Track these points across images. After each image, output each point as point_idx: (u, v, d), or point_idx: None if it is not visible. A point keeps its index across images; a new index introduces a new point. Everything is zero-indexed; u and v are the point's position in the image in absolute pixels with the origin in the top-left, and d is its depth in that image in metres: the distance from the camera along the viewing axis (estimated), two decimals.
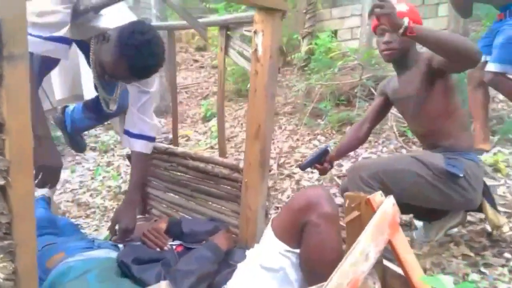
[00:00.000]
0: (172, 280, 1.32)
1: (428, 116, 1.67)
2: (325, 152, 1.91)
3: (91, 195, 3.12)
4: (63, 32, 1.41)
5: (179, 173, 2.03)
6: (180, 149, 2.02)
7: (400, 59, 1.69)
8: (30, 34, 1.37)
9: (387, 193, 1.49)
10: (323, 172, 1.93)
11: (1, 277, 0.89)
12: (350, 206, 1.24)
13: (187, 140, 4.34)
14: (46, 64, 1.70)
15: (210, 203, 1.92)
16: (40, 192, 2.34)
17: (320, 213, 1.15)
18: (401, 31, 1.39)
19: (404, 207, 1.59)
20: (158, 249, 1.58)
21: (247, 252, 1.36)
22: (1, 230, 0.88)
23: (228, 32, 1.93)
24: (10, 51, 0.78)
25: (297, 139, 3.38)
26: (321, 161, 1.90)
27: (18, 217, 0.88)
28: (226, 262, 1.49)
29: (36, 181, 1.43)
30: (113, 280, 1.31)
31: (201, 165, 1.88)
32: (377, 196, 1.17)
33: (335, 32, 5.79)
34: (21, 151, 0.85)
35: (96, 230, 2.56)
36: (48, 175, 1.43)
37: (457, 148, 1.65)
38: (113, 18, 1.48)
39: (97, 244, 1.55)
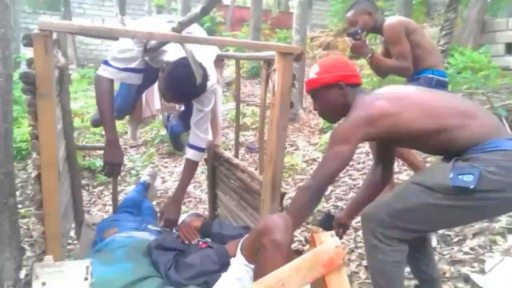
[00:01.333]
0: (176, 268, 1.65)
1: None
2: (327, 217, 1.88)
3: (194, 187, 3.71)
4: (134, 64, 1.89)
5: (232, 181, 2.34)
6: (236, 160, 2.33)
7: None
8: (111, 66, 1.88)
9: (411, 233, 1.50)
10: (340, 236, 1.86)
11: (36, 235, 1.37)
12: (309, 239, 1.35)
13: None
14: (143, 84, 2.22)
15: (248, 212, 2.18)
16: (143, 178, 2.98)
17: (270, 239, 1.30)
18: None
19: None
20: (186, 242, 1.93)
21: (231, 260, 1.59)
22: (37, 204, 1.35)
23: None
24: (41, 92, 1.22)
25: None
26: (330, 228, 1.83)
27: (46, 196, 1.34)
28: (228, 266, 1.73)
29: (104, 172, 1.96)
30: (135, 258, 1.71)
31: (244, 177, 2.15)
32: (322, 235, 1.26)
33: (510, 46, 5.21)
34: (48, 154, 1.29)
35: None
36: (112, 168, 1.93)
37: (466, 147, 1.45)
38: (171, 54, 1.89)
39: (143, 228, 2.00)
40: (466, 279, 2.06)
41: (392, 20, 2.50)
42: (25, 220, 3.01)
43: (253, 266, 1.38)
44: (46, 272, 0.98)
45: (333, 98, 1.67)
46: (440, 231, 2.50)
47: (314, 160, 4.19)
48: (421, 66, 2.47)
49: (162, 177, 3.98)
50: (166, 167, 4.35)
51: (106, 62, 1.88)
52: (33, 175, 1.32)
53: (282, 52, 1.63)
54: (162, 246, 1.80)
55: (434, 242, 2.30)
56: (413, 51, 2.42)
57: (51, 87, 1.22)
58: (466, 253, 2.28)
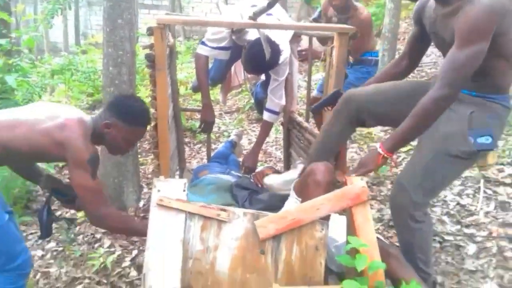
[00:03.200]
0: (250, 202, 2.18)
1: None
2: (336, 93, 1.93)
3: (275, 148, 4.22)
4: (224, 43, 2.39)
5: (302, 141, 2.77)
6: (305, 124, 2.74)
7: None
8: (207, 45, 2.41)
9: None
10: None
11: (152, 167, 1.98)
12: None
13: None
14: (231, 58, 2.73)
15: None
16: (231, 137, 3.57)
17: (313, 178, 1.72)
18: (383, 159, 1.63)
19: None
20: (259, 185, 2.44)
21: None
22: (154, 144, 1.95)
23: None
24: (158, 67, 1.77)
25: None
26: (334, 103, 1.91)
27: (160, 139, 1.92)
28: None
29: (200, 129, 2.55)
30: (220, 192, 2.26)
31: (310, 138, 2.56)
32: (354, 178, 1.64)
33: None
34: (161, 109, 1.86)
35: None
36: (206, 125, 2.50)
37: (493, 89, 1.57)
38: (251, 34, 2.34)
39: (227, 172, 2.55)
40: (511, 239, 2.24)
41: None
42: (142, 166, 3.82)
43: (300, 199, 1.82)
44: (160, 183, 1.55)
45: None
46: (501, 199, 2.64)
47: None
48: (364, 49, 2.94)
49: (249, 139, 4.55)
50: (254, 131, 4.91)
51: (203, 42, 2.41)
52: (152, 124, 1.91)
53: (339, 32, 1.97)
54: (241, 186, 2.34)
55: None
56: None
57: (164, 64, 1.77)
58: None
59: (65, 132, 1.59)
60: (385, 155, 1.63)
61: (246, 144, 4.29)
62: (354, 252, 1.43)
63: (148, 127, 1.84)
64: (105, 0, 2.82)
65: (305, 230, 1.55)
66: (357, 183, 1.61)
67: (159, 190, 1.55)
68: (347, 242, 1.46)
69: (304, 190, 1.76)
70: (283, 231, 1.53)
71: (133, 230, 1.80)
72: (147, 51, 1.82)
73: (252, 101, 5.03)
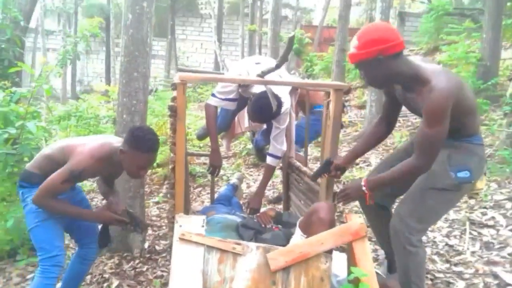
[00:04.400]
0: (254, 240, 2.35)
1: None
2: (328, 162, 2.19)
3: (273, 192, 4.43)
4: (232, 95, 2.67)
5: (300, 184, 2.99)
6: (304, 168, 2.97)
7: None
8: (216, 97, 2.69)
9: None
10: (335, 177, 2.26)
11: (170, 166, 2.14)
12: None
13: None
14: (237, 108, 3.01)
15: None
16: (232, 180, 3.78)
17: (317, 216, 1.92)
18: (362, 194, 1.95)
19: None
20: (263, 225, 2.62)
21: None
22: (170, 186, 2.14)
23: None
24: (179, 117, 2.02)
25: None
26: (328, 171, 2.19)
27: (177, 181, 2.12)
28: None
29: (208, 171, 2.77)
30: (227, 231, 2.43)
31: (308, 181, 2.78)
32: (352, 215, 1.86)
33: None
34: (179, 154, 2.08)
35: None
36: (213, 169, 2.72)
37: (464, 135, 1.88)
38: (256, 88, 2.63)
39: (233, 213, 2.73)
40: (495, 276, 2.43)
41: None
42: (146, 209, 3.96)
43: (306, 236, 2.01)
44: (182, 218, 1.74)
45: (375, 71, 1.77)
46: (485, 239, 2.85)
47: None
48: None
49: (247, 183, 4.76)
50: (251, 175, 5.13)
51: (213, 94, 2.69)
52: (170, 167, 2.12)
53: (334, 88, 2.26)
54: (246, 226, 2.51)
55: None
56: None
57: (184, 115, 2.02)
58: (503, 257, 2.62)
59: (80, 148, 2.06)
60: (366, 191, 1.95)
61: (245, 188, 4.48)
62: (356, 281, 1.61)
63: (166, 170, 2.06)
64: (122, 56, 3.13)
65: (311, 262, 1.73)
66: (355, 220, 1.82)
67: (181, 226, 1.74)
68: (350, 272, 1.65)
69: (309, 227, 1.95)
70: (292, 263, 1.72)
71: (64, 212, 2.10)
72: None
73: (248, 146, 5.31)
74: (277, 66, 1.94)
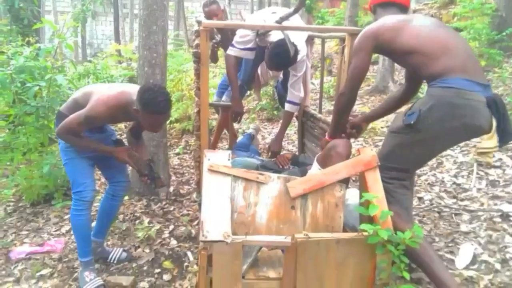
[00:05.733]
0: None
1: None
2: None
3: (287, 142, 4.61)
4: (250, 45, 2.78)
5: (315, 130, 3.15)
6: (319, 115, 3.12)
7: None
8: (235, 47, 2.81)
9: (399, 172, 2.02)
10: (352, 137, 2.34)
11: (195, 110, 2.35)
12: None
13: None
14: (255, 60, 3.12)
15: None
16: (249, 130, 3.96)
17: (335, 151, 2.09)
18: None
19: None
20: (281, 166, 2.82)
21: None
22: (196, 128, 2.32)
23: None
24: (202, 63, 2.16)
25: None
26: (344, 129, 2.30)
27: (202, 123, 2.30)
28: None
29: (231, 118, 2.94)
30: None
31: (324, 126, 2.94)
32: (365, 149, 2.02)
33: None
34: (204, 98, 2.24)
35: None
36: (235, 115, 2.89)
37: (428, 77, 1.81)
38: (273, 36, 2.74)
39: (252, 156, 2.93)
40: (499, 209, 2.60)
41: None
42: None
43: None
44: (209, 153, 1.94)
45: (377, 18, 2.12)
46: (491, 178, 3.01)
47: None
48: None
49: (262, 135, 4.94)
50: (266, 128, 5.31)
51: (232, 45, 2.81)
52: (195, 110, 2.29)
53: (350, 33, 2.36)
54: (266, 167, 2.72)
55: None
56: None
57: (207, 60, 2.15)
58: (507, 192, 2.79)
59: (97, 96, 2.17)
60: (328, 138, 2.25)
61: (260, 140, 4.67)
62: (367, 203, 1.80)
63: (192, 112, 2.23)
64: (141, 9, 3.24)
65: (327, 190, 1.92)
66: (367, 152, 1.99)
67: (209, 159, 1.93)
68: (361, 197, 1.83)
69: (327, 161, 2.12)
70: (309, 191, 1.91)
71: (83, 146, 2.26)
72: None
73: (262, 102, 5.46)
74: (295, 11, 2.04)
